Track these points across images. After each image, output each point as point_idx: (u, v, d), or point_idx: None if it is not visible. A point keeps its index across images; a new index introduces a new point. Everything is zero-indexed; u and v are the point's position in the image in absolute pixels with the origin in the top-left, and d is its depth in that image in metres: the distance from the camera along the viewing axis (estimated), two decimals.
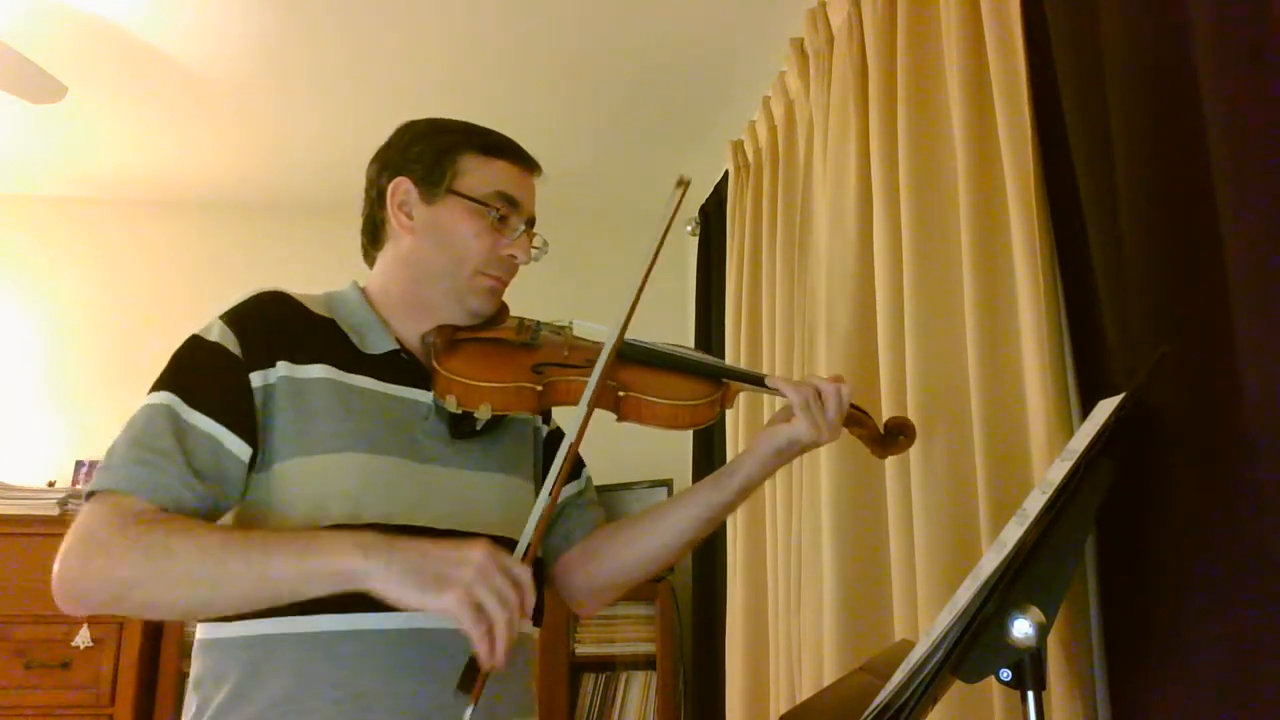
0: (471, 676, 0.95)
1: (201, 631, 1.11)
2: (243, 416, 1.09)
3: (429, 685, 1.06)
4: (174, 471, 1.04)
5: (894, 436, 1.31)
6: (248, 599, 1.00)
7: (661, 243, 1.24)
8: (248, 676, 1.05)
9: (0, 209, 3.40)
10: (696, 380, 1.25)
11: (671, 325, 3.37)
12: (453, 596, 0.93)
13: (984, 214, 1.51)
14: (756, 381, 1.26)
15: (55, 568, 1.00)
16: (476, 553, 0.96)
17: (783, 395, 1.22)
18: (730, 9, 2.35)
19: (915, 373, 1.61)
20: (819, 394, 1.20)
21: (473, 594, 0.93)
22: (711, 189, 3.24)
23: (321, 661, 1.04)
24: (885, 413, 1.66)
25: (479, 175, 1.23)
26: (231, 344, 1.12)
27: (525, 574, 0.97)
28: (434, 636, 1.08)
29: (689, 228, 3.40)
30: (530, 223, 1.27)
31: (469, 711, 0.94)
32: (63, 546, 1.01)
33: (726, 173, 3.00)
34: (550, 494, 1.07)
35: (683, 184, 1.27)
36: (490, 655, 0.94)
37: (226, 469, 1.08)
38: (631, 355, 1.24)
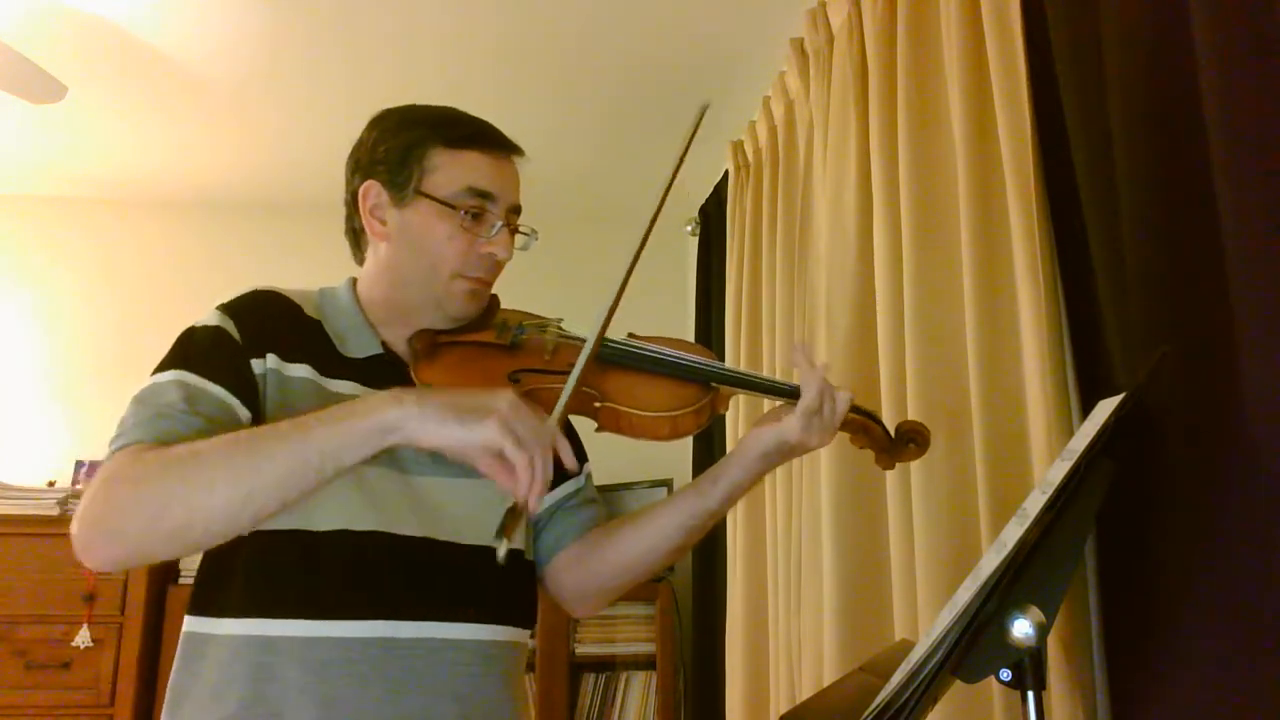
0: (508, 518, 0.93)
1: (188, 624, 1.11)
2: (247, 388, 1.09)
3: (398, 695, 1.06)
4: (189, 422, 1.02)
5: (904, 443, 1.21)
6: (290, 481, 0.95)
7: (671, 181, 1.17)
8: (224, 675, 1.05)
9: (0, 209, 3.40)
10: (683, 385, 1.16)
11: (671, 325, 3.37)
12: (493, 424, 0.92)
13: (984, 214, 1.51)
14: (772, 389, 1.17)
15: (76, 521, 0.96)
16: (506, 393, 0.96)
17: (789, 398, 1.14)
18: (730, 9, 2.34)
19: (915, 373, 1.61)
20: (820, 399, 1.12)
21: (509, 424, 0.93)
22: (711, 189, 3.24)
23: (291, 667, 1.04)
24: (885, 412, 1.66)
25: (447, 172, 1.17)
26: (230, 328, 1.12)
27: (550, 423, 0.97)
28: (404, 646, 1.07)
29: (689, 228, 3.41)
30: (515, 211, 1.21)
31: (503, 547, 0.92)
32: (81, 502, 0.98)
33: (726, 173, 3.00)
34: (559, 415, 1.04)
35: (704, 108, 1.19)
36: (528, 489, 0.92)
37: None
38: (612, 358, 1.17)
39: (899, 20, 1.80)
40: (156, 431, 1.01)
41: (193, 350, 1.10)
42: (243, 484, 0.94)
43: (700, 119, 1.19)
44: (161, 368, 1.09)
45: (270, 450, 0.95)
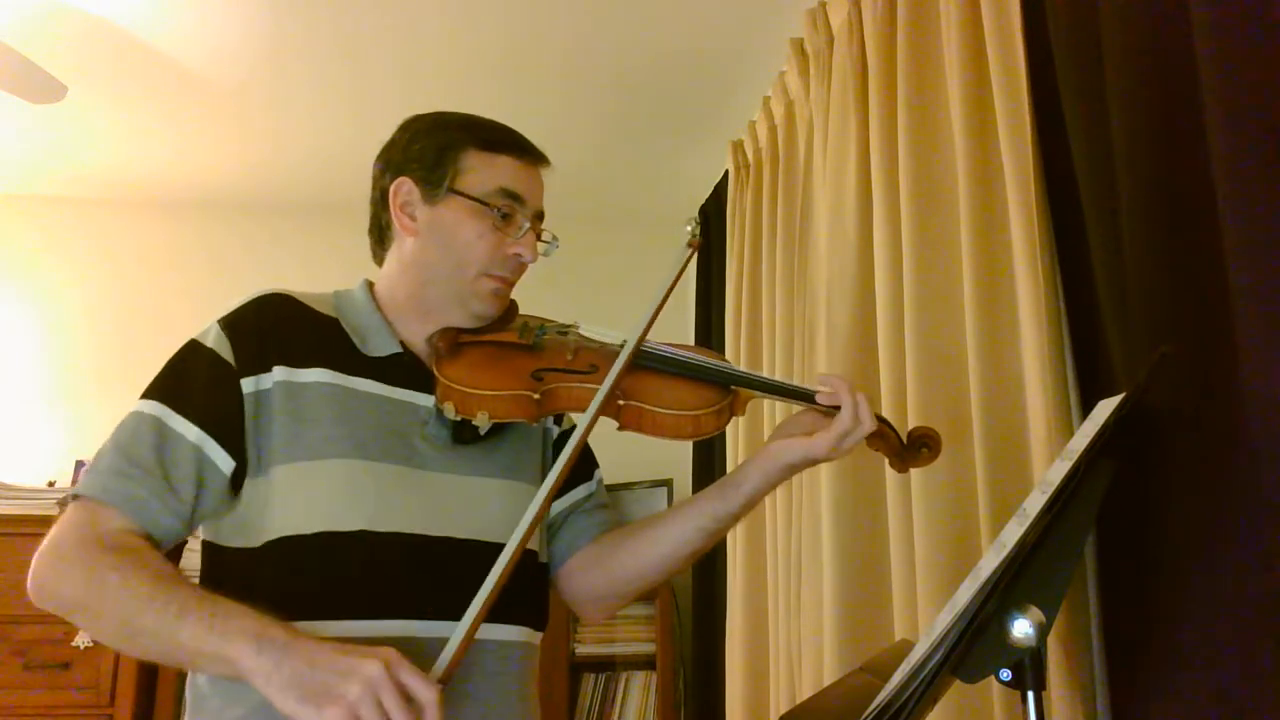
0: None
1: None
2: (229, 428, 1.10)
3: None
4: (150, 486, 1.06)
5: (917, 448, 1.21)
6: (160, 655, 1.01)
7: (677, 278, 1.25)
8: (235, 680, 1.05)
9: (0, 209, 3.40)
10: (704, 387, 1.19)
11: (672, 325, 3.36)
12: (332, 714, 0.86)
13: (984, 214, 1.51)
14: (802, 396, 1.18)
15: (33, 565, 1.04)
16: (371, 666, 0.88)
17: (830, 409, 1.14)
18: (730, 9, 2.34)
19: (915, 373, 1.61)
20: (857, 418, 1.12)
21: (355, 713, 0.86)
22: (711, 189, 3.24)
23: None
24: (886, 412, 1.66)
25: (481, 173, 1.20)
26: (225, 350, 1.12)
27: (429, 693, 0.89)
28: (421, 646, 1.06)
29: (689, 228, 3.40)
30: (539, 217, 1.24)
31: None
32: (41, 544, 1.04)
33: (726, 173, 3.00)
34: (505, 565, 1.00)
35: (694, 242, 1.28)
36: None
37: (207, 479, 1.09)
38: (634, 360, 1.19)
39: (899, 20, 1.80)
40: (114, 492, 1.05)
41: (182, 379, 1.12)
42: (121, 635, 1.02)
43: (692, 255, 1.30)
44: (150, 392, 1.12)
45: (147, 624, 0.97)
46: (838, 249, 1.96)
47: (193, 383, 1.11)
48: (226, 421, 1.10)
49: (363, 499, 1.09)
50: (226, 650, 0.93)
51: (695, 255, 1.26)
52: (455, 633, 0.97)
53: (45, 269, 3.39)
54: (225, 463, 1.09)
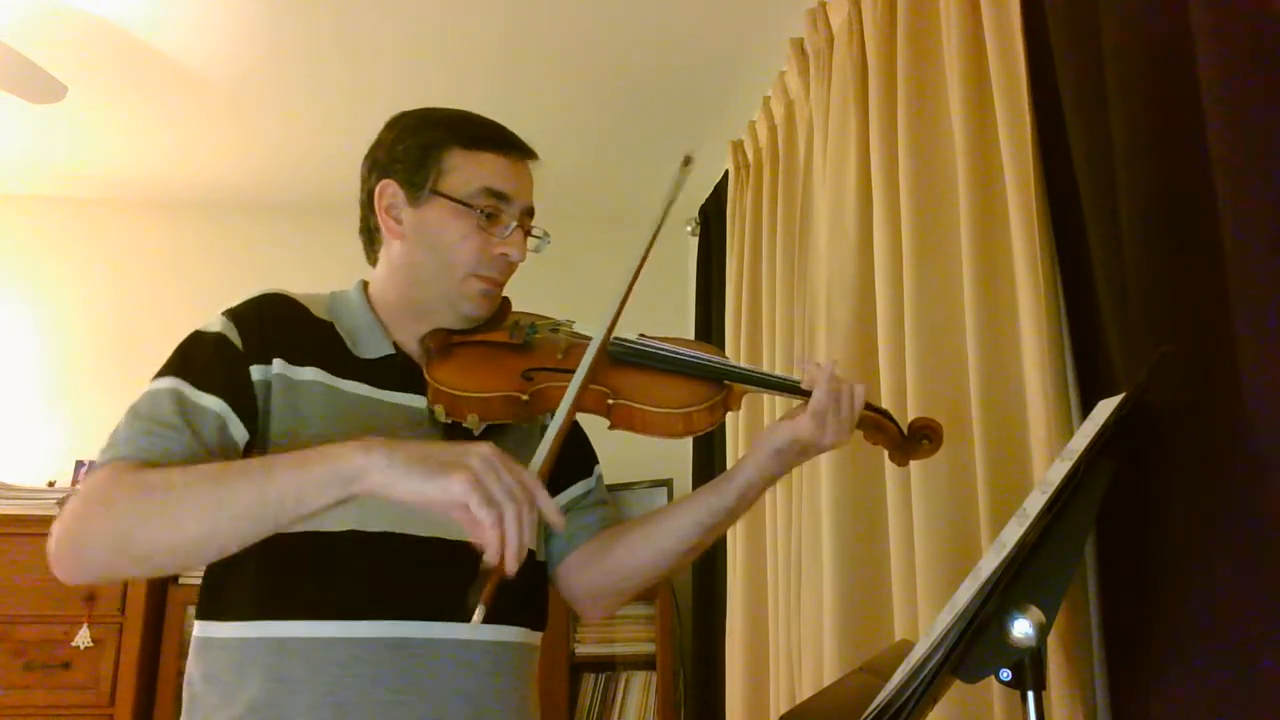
0: (483, 579, 0.89)
1: (197, 630, 1.11)
2: (245, 401, 1.09)
3: (408, 695, 1.05)
4: (182, 441, 1.03)
5: (918, 440, 1.19)
6: (253, 520, 0.94)
7: (660, 225, 1.19)
8: (233, 679, 1.05)
9: (0, 209, 3.40)
10: (696, 383, 1.17)
11: (671, 325, 3.36)
12: (459, 479, 0.88)
13: (984, 214, 1.51)
14: (786, 388, 1.17)
15: (53, 532, 0.98)
16: (482, 446, 0.92)
17: (803, 396, 1.14)
18: (730, 9, 2.34)
19: (915, 373, 1.61)
20: (837, 397, 1.11)
21: (480, 480, 0.88)
22: (711, 189, 3.24)
23: (300, 668, 1.04)
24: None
25: (464, 172, 1.18)
26: (233, 335, 1.12)
27: (534, 477, 0.93)
28: (414, 646, 1.07)
29: (689, 228, 3.41)
30: (528, 213, 1.22)
31: (480, 612, 0.89)
32: (61, 515, 0.99)
33: (726, 173, 3.00)
34: (566, 414, 1.04)
35: (688, 163, 1.21)
36: (499, 550, 0.88)
37: (228, 449, 1.07)
38: (624, 357, 1.18)
39: (899, 20, 1.80)
40: (143, 449, 1.02)
41: (193, 359, 1.11)
42: (205, 522, 0.94)
43: (684, 177, 1.24)
44: (161, 374, 1.10)
45: (233, 490, 0.94)
46: (838, 249, 1.96)
47: (206, 361, 1.10)
48: (242, 395, 1.09)
49: (358, 500, 1.08)
50: (330, 470, 0.92)
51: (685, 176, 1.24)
52: (547, 434, 1.01)
53: (45, 269, 3.39)
54: (242, 436, 1.08)
